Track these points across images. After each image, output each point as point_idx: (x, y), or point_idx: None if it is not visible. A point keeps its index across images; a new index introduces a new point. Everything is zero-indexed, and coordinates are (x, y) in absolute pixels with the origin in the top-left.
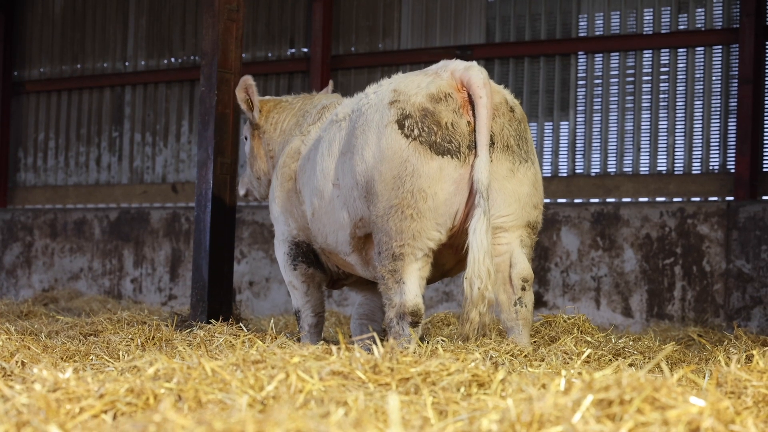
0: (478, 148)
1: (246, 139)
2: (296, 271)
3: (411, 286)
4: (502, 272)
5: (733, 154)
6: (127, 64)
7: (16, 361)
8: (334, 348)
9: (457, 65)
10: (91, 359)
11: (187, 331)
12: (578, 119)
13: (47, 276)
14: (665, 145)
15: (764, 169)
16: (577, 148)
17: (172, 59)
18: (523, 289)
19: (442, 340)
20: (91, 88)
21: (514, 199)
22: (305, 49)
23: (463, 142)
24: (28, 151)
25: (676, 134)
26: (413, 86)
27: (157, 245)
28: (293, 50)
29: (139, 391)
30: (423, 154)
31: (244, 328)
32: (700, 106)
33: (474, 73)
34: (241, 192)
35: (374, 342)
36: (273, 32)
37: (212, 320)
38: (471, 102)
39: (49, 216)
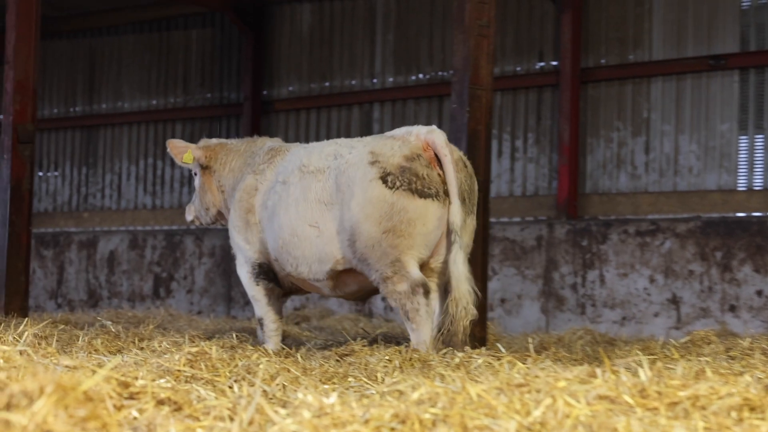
0: (451, 196)
1: (195, 174)
2: (259, 286)
3: (413, 268)
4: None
5: None
6: (375, 80)
7: (277, 384)
8: (598, 371)
9: (420, 130)
10: (350, 381)
11: (444, 352)
12: None
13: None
14: None
15: None
16: None
17: (420, 75)
18: None
19: (706, 361)
20: (340, 105)
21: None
22: (554, 63)
23: (439, 189)
24: None
25: None
26: (388, 149)
27: None
28: (542, 63)
29: (404, 416)
30: (408, 197)
31: (502, 349)
32: None
33: (437, 135)
34: (189, 218)
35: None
36: (521, 46)
37: (469, 344)
38: (437, 159)
39: None
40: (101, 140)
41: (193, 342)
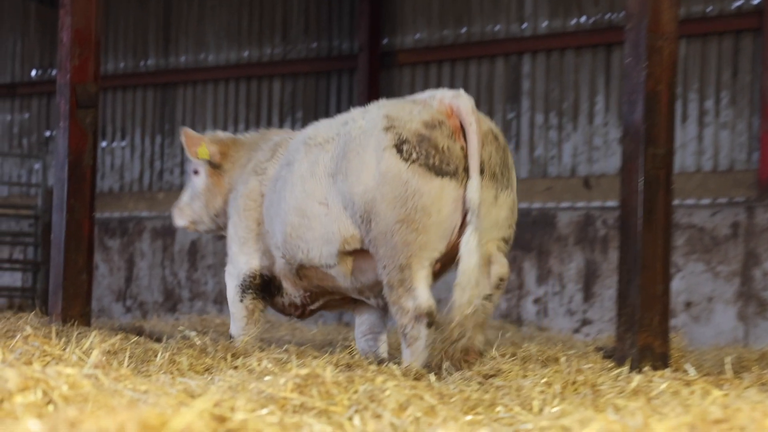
0: (471, 171)
1: (196, 172)
2: (242, 303)
3: (422, 290)
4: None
5: None
6: (524, 25)
7: (409, 416)
8: None
9: (445, 93)
10: (499, 412)
11: (616, 372)
12: None
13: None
14: None
15: None
16: None
17: (582, 18)
18: (498, 287)
19: None
20: (480, 57)
21: (494, 223)
22: (756, 0)
23: (459, 165)
24: None
25: None
26: (406, 113)
27: (566, 256)
28: (740, 2)
29: None
30: (423, 176)
31: (691, 370)
32: None
33: (463, 101)
34: (181, 223)
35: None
36: None
37: (647, 362)
38: (462, 128)
39: None
40: (179, 101)
41: (301, 359)
